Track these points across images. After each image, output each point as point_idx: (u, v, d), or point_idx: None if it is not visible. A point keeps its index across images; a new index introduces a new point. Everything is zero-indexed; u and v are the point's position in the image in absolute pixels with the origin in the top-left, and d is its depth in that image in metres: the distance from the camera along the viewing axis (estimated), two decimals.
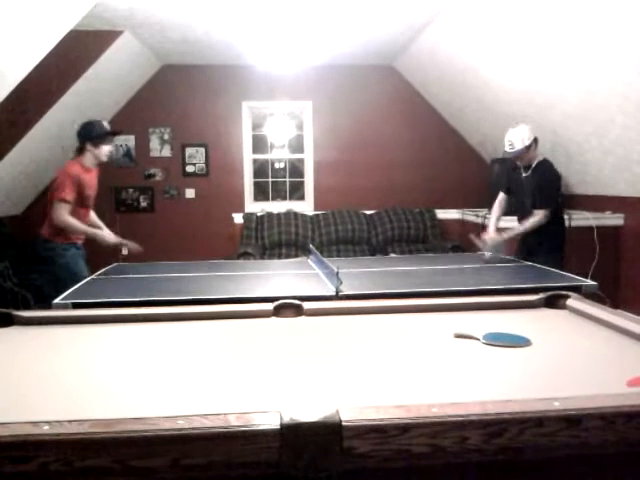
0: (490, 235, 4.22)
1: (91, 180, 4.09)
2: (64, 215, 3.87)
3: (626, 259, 5.50)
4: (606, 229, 5.51)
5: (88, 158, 4.04)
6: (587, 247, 5.38)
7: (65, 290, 3.73)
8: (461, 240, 6.93)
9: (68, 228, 3.92)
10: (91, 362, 1.71)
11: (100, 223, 4.29)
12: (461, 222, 7.40)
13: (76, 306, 2.61)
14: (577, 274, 3.31)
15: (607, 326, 1.95)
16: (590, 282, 3.06)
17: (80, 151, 4.04)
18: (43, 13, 4.06)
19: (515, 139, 4.14)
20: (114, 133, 4.23)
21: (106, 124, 4.12)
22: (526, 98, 5.54)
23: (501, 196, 4.53)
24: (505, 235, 4.18)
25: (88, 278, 3.46)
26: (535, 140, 4.19)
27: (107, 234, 4.10)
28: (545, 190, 4.15)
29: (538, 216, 4.11)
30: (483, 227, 6.39)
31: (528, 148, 4.13)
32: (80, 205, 4.00)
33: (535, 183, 4.17)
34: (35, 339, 1.96)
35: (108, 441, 1.05)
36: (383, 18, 5.40)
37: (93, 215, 4.27)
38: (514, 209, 4.47)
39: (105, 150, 4.06)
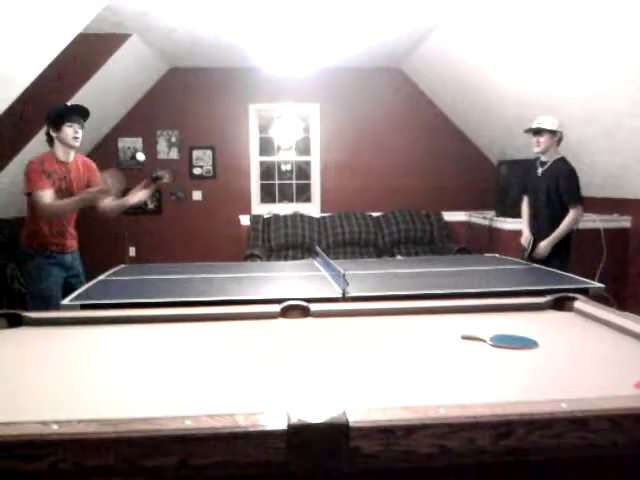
0: (526, 237, 4.35)
1: (65, 172, 3.67)
2: (45, 201, 3.48)
3: (633, 261, 5.48)
4: (614, 231, 5.50)
5: (57, 148, 3.64)
6: (595, 249, 5.37)
7: (32, 302, 3.60)
8: (468, 242, 6.93)
9: (58, 211, 3.57)
10: (99, 362, 1.72)
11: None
12: (468, 224, 7.39)
13: (84, 307, 2.62)
14: (584, 276, 3.30)
15: (614, 328, 1.95)
16: (597, 284, 3.05)
17: (49, 143, 3.66)
18: (52, 16, 4.08)
19: (545, 119, 4.23)
20: (75, 110, 3.67)
21: (67, 104, 3.69)
22: (533, 100, 5.53)
23: (525, 199, 4.55)
24: (548, 241, 4.17)
25: (78, 291, 3.07)
26: (560, 137, 4.23)
27: (91, 189, 3.62)
28: (571, 186, 4.17)
29: (573, 214, 4.14)
30: (490, 230, 6.41)
31: (553, 133, 4.17)
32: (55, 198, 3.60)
33: (553, 180, 4.18)
34: (44, 340, 1.97)
35: (116, 441, 1.06)
36: (390, 21, 5.40)
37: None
38: (532, 207, 4.47)
39: (70, 132, 3.59)
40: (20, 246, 3.73)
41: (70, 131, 3.61)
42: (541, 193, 4.24)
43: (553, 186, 4.17)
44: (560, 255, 4.15)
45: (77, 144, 3.68)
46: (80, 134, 3.68)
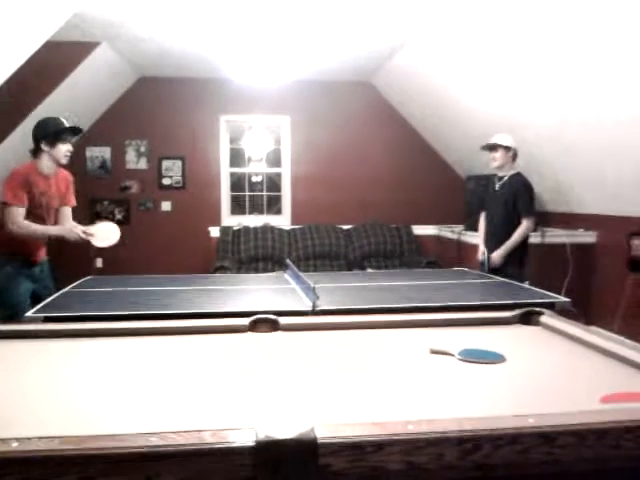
0: (482, 251, 4.52)
1: (47, 187, 3.64)
2: (19, 220, 3.45)
3: (599, 276, 5.58)
4: (579, 246, 5.60)
5: (44, 161, 3.59)
6: (560, 264, 5.46)
7: (5, 310, 3.54)
8: (437, 256, 6.98)
9: (26, 233, 3.50)
10: (62, 377, 1.68)
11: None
12: (437, 238, 7.46)
13: (48, 319, 2.57)
14: (551, 291, 3.34)
15: (580, 343, 1.97)
16: (563, 299, 3.10)
17: (35, 153, 3.60)
18: (19, 23, 4.02)
19: (499, 136, 4.46)
20: (74, 130, 3.72)
21: (64, 121, 3.66)
22: (498, 119, 5.63)
23: (482, 214, 4.76)
24: (500, 252, 4.36)
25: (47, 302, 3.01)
26: (515, 153, 4.43)
27: (73, 226, 3.63)
28: (525, 199, 4.37)
29: (525, 225, 4.35)
30: (459, 243, 6.47)
31: (507, 149, 4.38)
32: (34, 214, 3.57)
33: (510, 194, 4.37)
34: (5, 353, 1.92)
35: (79, 458, 1.03)
36: (361, 36, 5.46)
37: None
38: (488, 223, 4.61)
39: (63, 149, 3.59)
40: None
41: (64, 149, 3.61)
42: (499, 207, 4.45)
43: (510, 200, 4.38)
44: (515, 263, 4.34)
45: (66, 161, 3.68)
46: (71, 151, 3.69)
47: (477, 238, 4.86)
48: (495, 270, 4.23)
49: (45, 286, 3.78)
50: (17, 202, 3.47)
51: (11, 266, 3.57)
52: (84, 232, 3.64)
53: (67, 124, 3.68)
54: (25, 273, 3.66)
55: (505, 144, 4.39)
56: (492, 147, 4.44)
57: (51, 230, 3.65)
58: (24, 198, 3.50)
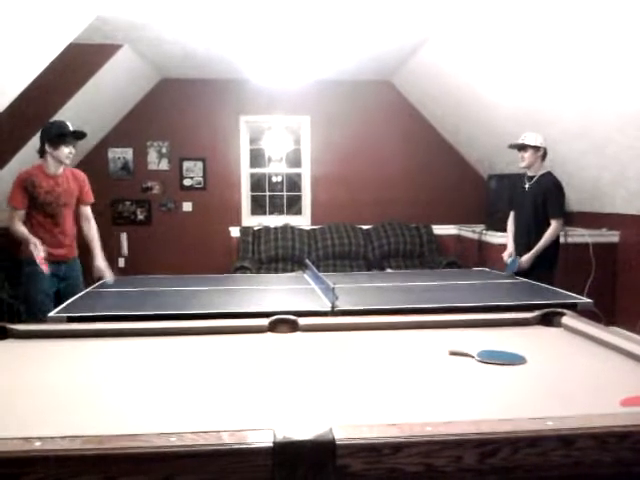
0: (509, 252, 4.42)
1: (54, 186, 3.81)
2: (12, 222, 3.70)
3: (622, 276, 5.51)
4: (602, 246, 5.53)
5: (49, 161, 3.80)
6: (583, 264, 5.39)
7: (27, 309, 3.72)
8: (457, 256, 6.95)
9: (15, 234, 3.72)
10: (85, 377, 1.70)
11: (95, 244, 3.99)
12: (458, 238, 7.42)
13: (71, 319, 2.60)
14: (572, 291, 3.31)
15: (602, 344, 1.95)
16: (585, 300, 3.07)
17: (41, 154, 3.82)
18: (43, 26, 4.08)
19: (529, 135, 4.36)
20: (75, 134, 3.84)
21: (69, 125, 3.82)
22: (522, 116, 5.57)
23: (511, 214, 4.65)
24: (529, 255, 4.24)
25: (72, 299, 3.19)
26: (545, 151, 4.33)
27: (39, 248, 3.56)
28: (555, 200, 4.27)
29: (554, 226, 4.24)
30: (480, 243, 6.43)
31: (536, 149, 4.29)
32: (39, 212, 3.77)
33: (539, 194, 4.28)
34: (29, 353, 1.95)
35: (100, 458, 1.05)
36: (381, 34, 5.44)
37: (90, 229, 4.02)
38: (516, 223, 4.54)
39: (65, 152, 3.76)
40: (16, 254, 3.83)
41: (66, 151, 3.77)
42: (528, 207, 4.34)
43: (540, 200, 4.27)
44: (545, 265, 4.20)
45: (69, 162, 3.86)
46: (73, 153, 3.86)
47: (504, 238, 4.78)
48: (524, 273, 4.11)
49: (73, 284, 3.87)
50: (13, 203, 3.73)
51: (33, 265, 3.62)
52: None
53: (71, 128, 3.82)
54: (49, 273, 3.68)
55: (534, 144, 4.28)
56: (521, 147, 4.33)
57: (31, 239, 3.62)
58: (21, 201, 3.72)
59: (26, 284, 3.75)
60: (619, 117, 4.53)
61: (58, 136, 3.75)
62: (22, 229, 3.70)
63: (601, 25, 3.89)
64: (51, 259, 3.70)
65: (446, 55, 5.73)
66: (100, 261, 3.92)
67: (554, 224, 4.22)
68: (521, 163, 4.37)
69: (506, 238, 4.65)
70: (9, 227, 3.75)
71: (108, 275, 3.84)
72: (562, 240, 4.61)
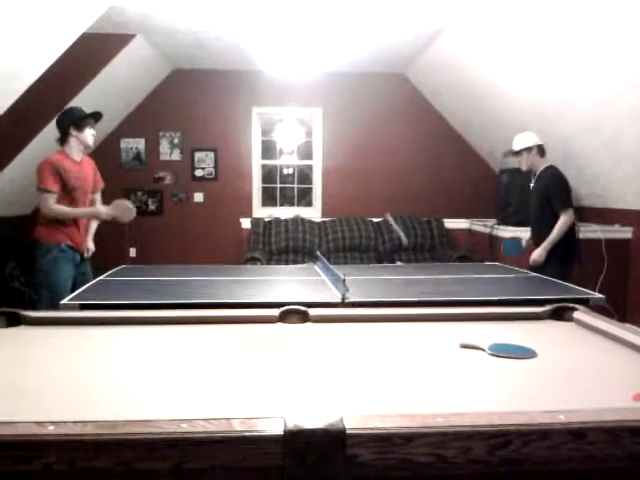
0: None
1: (79, 171, 3.91)
2: (50, 204, 3.72)
3: (634, 272, 5.47)
4: (615, 242, 5.50)
5: (73, 146, 3.88)
6: (595, 260, 5.36)
7: (41, 297, 3.75)
8: (469, 250, 6.93)
9: (58, 216, 3.77)
10: (97, 364, 1.71)
11: (93, 225, 4.19)
12: (469, 232, 7.39)
13: (84, 307, 2.62)
14: (585, 286, 3.29)
15: (614, 339, 1.94)
16: (598, 295, 3.05)
17: (62, 141, 3.89)
18: (57, 16, 4.09)
19: (517, 139, 4.42)
20: (95, 115, 3.97)
21: (84, 108, 3.96)
22: (536, 108, 5.53)
23: None
24: (539, 250, 4.27)
25: (92, 282, 3.32)
26: (539, 147, 4.35)
27: (100, 208, 3.98)
28: (557, 193, 4.25)
29: (562, 220, 4.22)
30: (491, 237, 6.40)
31: (528, 150, 4.32)
32: (66, 197, 3.82)
33: (542, 190, 4.28)
34: (42, 339, 1.97)
35: (112, 443, 1.06)
36: (395, 26, 5.41)
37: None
38: (529, 221, 4.60)
39: (89, 133, 3.90)
40: (35, 240, 3.84)
41: (90, 132, 3.91)
42: (534, 205, 4.43)
43: (543, 195, 4.29)
44: (559, 260, 4.18)
45: (92, 144, 4.00)
46: (94, 135, 4.00)
47: (515, 233, 5.21)
48: (539, 269, 4.08)
49: (83, 272, 3.96)
50: (48, 190, 3.71)
51: (56, 250, 3.76)
52: (107, 213, 3.94)
53: (88, 111, 3.93)
54: (69, 258, 3.85)
55: (524, 146, 4.33)
56: (515, 153, 4.43)
57: (79, 212, 3.88)
58: (54, 184, 3.73)
59: (48, 270, 3.77)
60: (632, 112, 4.50)
61: (82, 118, 3.85)
62: (66, 208, 3.77)
63: (619, 16, 3.85)
64: (71, 243, 3.84)
65: (464, 45, 5.67)
66: (90, 242, 4.12)
67: (562, 217, 4.21)
68: (522, 167, 4.46)
69: (519, 232, 4.73)
70: (47, 212, 3.75)
71: (86, 254, 4.03)
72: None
